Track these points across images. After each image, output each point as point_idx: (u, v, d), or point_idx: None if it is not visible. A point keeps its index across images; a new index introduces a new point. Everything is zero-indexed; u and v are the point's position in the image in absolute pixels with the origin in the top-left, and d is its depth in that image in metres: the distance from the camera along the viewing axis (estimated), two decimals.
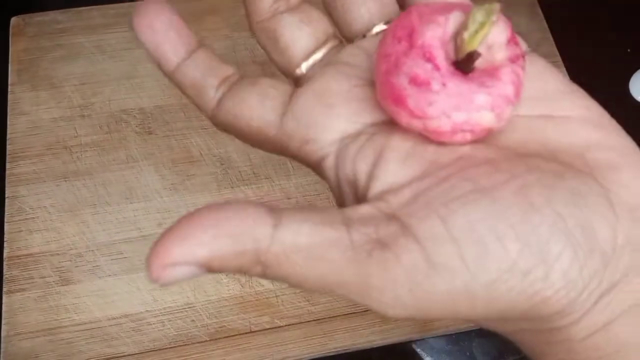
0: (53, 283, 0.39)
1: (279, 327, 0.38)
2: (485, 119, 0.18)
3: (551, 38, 0.48)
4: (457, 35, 0.19)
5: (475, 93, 0.18)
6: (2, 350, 0.37)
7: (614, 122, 0.19)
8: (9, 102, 0.44)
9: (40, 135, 0.43)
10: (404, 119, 0.19)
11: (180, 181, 0.42)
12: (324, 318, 0.39)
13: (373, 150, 0.19)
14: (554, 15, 0.49)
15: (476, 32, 0.18)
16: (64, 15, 0.48)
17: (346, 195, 0.20)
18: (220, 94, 0.22)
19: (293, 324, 0.38)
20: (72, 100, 0.45)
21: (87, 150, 0.43)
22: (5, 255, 0.40)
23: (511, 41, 0.19)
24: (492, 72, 0.18)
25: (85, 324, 0.38)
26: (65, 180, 0.42)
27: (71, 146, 0.43)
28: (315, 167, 0.21)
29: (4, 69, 0.46)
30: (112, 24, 0.48)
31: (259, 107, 0.22)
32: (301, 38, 0.23)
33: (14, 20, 0.47)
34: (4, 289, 0.38)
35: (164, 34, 0.23)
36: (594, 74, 0.48)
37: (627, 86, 0.48)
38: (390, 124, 0.20)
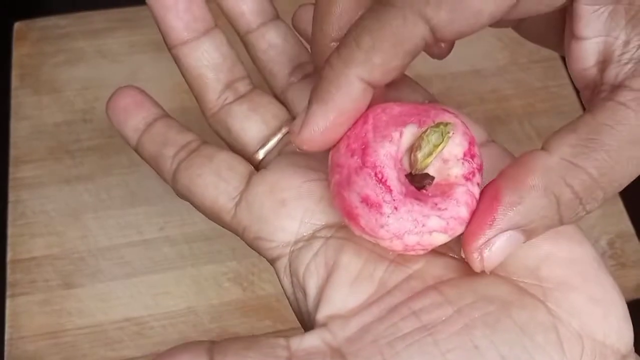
0: (56, 287, 0.39)
1: (281, 331, 0.38)
2: (438, 240, 0.18)
3: None
4: (411, 150, 0.18)
5: (428, 217, 0.18)
6: (6, 353, 0.37)
7: (570, 227, 0.19)
8: (12, 107, 0.45)
9: (42, 140, 0.44)
10: (356, 231, 0.19)
11: None
12: None
13: (325, 265, 0.19)
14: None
15: (430, 153, 0.18)
16: (67, 20, 0.48)
17: (300, 302, 0.20)
18: (176, 164, 0.22)
19: (295, 328, 0.38)
20: (75, 104, 0.45)
21: (89, 155, 0.43)
22: (8, 259, 0.40)
23: (468, 154, 0.18)
24: (446, 190, 0.18)
25: (88, 327, 0.38)
26: (68, 185, 0.42)
27: (73, 150, 0.43)
28: (271, 263, 0.21)
29: (7, 74, 0.46)
30: (114, 28, 0.48)
31: (212, 189, 0.21)
32: (251, 126, 0.23)
33: (17, 25, 0.48)
34: (8, 293, 0.39)
35: (125, 112, 0.23)
36: None
37: None
38: (345, 227, 0.20)
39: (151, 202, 0.42)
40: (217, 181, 0.21)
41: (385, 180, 0.18)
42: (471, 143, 0.19)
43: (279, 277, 0.21)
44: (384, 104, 0.19)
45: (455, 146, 0.18)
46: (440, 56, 0.22)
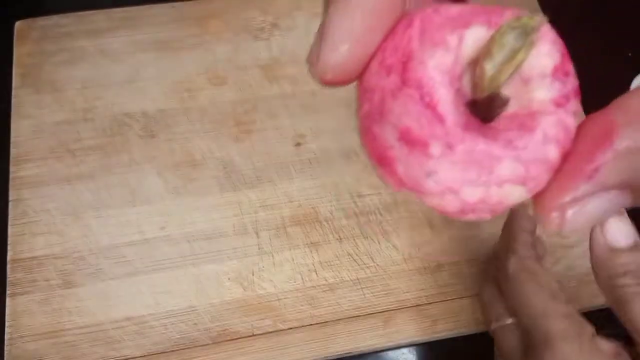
0: (56, 286, 0.39)
1: (281, 330, 0.38)
2: (512, 196, 0.12)
3: None
4: (475, 63, 0.13)
5: (499, 160, 0.12)
6: (6, 352, 0.37)
7: None
8: (13, 106, 0.45)
9: (43, 139, 0.44)
10: (391, 185, 0.13)
11: (182, 184, 0.42)
12: (326, 321, 0.39)
13: None
14: (555, 18, 0.49)
15: (505, 63, 0.12)
16: (68, 19, 0.48)
17: None
18: None
19: (295, 327, 0.38)
20: (76, 103, 0.45)
21: (90, 154, 0.43)
22: (9, 258, 0.40)
23: (560, 70, 0.13)
24: (526, 121, 0.12)
25: (88, 326, 0.38)
26: (69, 184, 0.42)
27: (74, 149, 0.43)
28: None
29: (8, 73, 0.46)
30: (115, 27, 0.48)
31: None
32: None
33: (18, 24, 0.48)
34: (8, 292, 0.39)
35: None
36: (596, 78, 0.48)
37: (629, 90, 0.48)
38: None
39: (152, 201, 0.42)
40: None
41: (436, 105, 0.12)
42: (565, 56, 0.13)
43: None
44: (436, 4, 0.14)
45: (541, 57, 0.13)
46: None
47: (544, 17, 0.12)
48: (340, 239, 0.41)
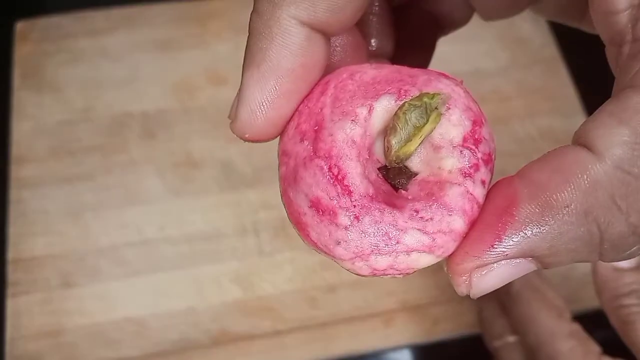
0: (56, 286, 0.39)
1: (281, 331, 0.38)
2: (420, 262, 0.13)
3: (554, 42, 0.48)
4: (384, 134, 0.13)
5: (404, 231, 0.13)
6: (6, 352, 0.37)
7: None
8: (13, 106, 0.45)
9: (43, 139, 0.44)
10: (308, 245, 0.14)
11: (181, 184, 0.42)
12: (326, 323, 0.39)
13: None
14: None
15: (409, 139, 0.13)
16: (68, 20, 0.48)
17: None
18: None
19: (295, 328, 0.38)
20: (75, 104, 0.45)
21: (89, 154, 0.43)
22: (9, 258, 0.40)
23: (470, 139, 0.13)
24: (434, 190, 0.13)
25: (88, 327, 0.38)
26: (68, 184, 0.42)
27: (74, 150, 0.43)
28: None
29: (9, 73, 0.46)
30: (115, 27, 0.48)
31: None
32: None
33: (18, 25, 0.48)
34: (8, 292, 0.39)
35: None
36: (597, 78, 0.48)
37: None
38: None
39: (151, 202, 0.42)
40: None
41: (343, 178, 0.13)
42: (476, 123, 0.13)
43: None
44: (355, 66, 0.14)
45: (451, 127, 0.13)
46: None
47: (455, 88, 0.13)
48: None
